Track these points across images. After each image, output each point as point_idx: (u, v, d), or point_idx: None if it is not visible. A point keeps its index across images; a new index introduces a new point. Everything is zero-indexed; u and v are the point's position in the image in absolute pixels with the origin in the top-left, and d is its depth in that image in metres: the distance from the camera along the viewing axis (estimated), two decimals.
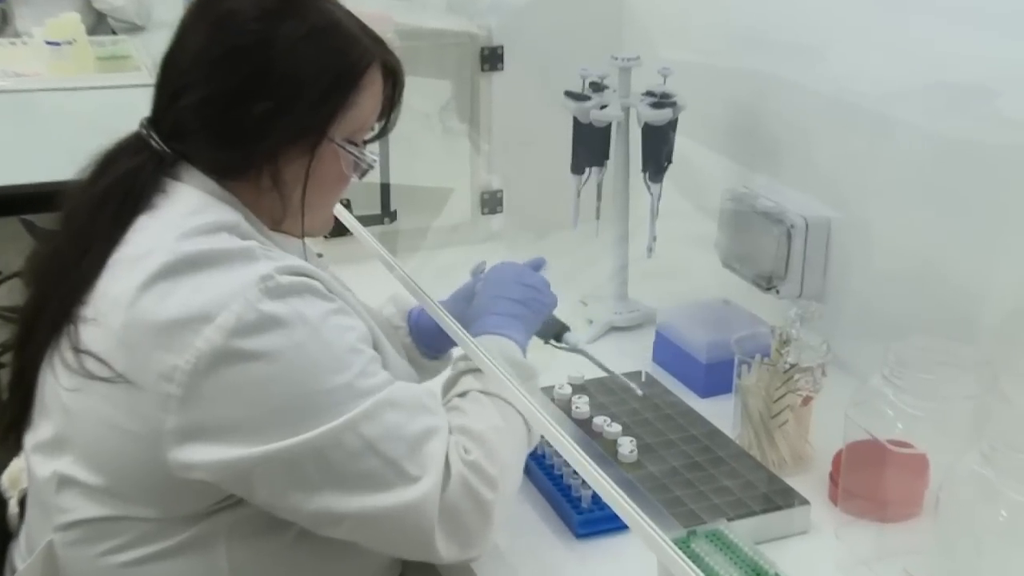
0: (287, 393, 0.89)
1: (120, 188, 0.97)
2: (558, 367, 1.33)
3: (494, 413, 0.99)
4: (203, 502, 0.94)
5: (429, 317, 1.23)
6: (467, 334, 1.10)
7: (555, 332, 1.16)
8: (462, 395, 1.01)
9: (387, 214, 1.81)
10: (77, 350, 0.93)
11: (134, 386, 0.91)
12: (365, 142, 1.03)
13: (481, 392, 1.01)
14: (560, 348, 1.14)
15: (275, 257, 0.94)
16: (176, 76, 0.98)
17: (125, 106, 1.11)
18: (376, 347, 1.00)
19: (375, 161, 1.02)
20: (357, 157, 1.00)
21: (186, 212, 0.95)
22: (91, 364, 0.92)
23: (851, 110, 1.34)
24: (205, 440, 0.89)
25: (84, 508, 0.95)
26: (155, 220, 0.96)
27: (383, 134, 1.05)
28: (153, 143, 0.98)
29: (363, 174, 1.03)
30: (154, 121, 0.99)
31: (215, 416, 0.89)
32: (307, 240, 1.04)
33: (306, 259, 1.04)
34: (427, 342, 1.25)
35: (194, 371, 0.89)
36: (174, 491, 0.92)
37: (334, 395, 0.90)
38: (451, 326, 1.14)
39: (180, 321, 0.89)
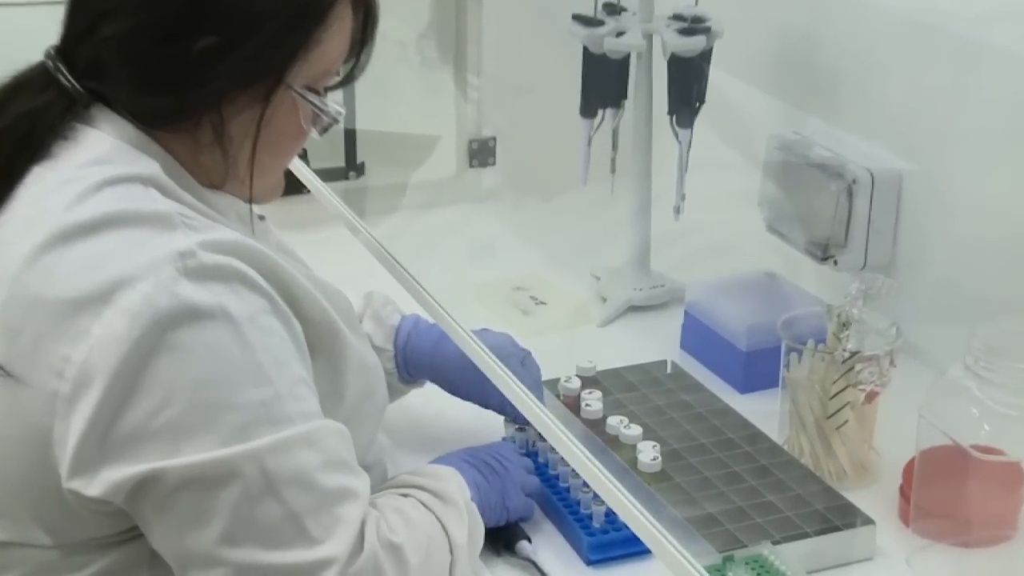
0: (189, 400, 0.87)
1: (16, 133, 0.95)
2: (563, 356, 1.33)
3: (434, 522, 0.99)
4: (107, 526, 0.92)
5: (420, 338, 1.23)
6: (470, 332, 1.10)
7: (508, 539, 1.14)
8: (403, 495, 1.02)
9: (353, 167, 1.80)
10: None
11: (16, 381, 0.89)
12: (327, 89, 1.02)
13: (423, 505, 1.01)
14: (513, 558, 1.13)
15: (198, 227, 0.92)
16: None
17: (15, 27, 1.09)
18: (331, 334, 0.99)
19: (341, 114, 1.00)
20: (319, 108, 0.99)
21: (88, 162, 0.94)
22: None
23: (931, 35, 1.33)
24: (93, 453, 0.88)
25: None
26: (51, 172, 0.94)
27: (350, 80, 1.04)
28: (63, 80, 0.96)
29: (325, 129, 1.01)
30: (64, 52, 0.97)
31: (103, 420, 0.88)
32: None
33: (252, 227, 1.03)
34: (412, 367, 1.25)
35: (86, 364, 0.87)
36: (68, 512, 0.91)
37: (244, 413, 0.88)
38: (448, 320, 1.13)
39: (74, 301, 0.88)
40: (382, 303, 1.28)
